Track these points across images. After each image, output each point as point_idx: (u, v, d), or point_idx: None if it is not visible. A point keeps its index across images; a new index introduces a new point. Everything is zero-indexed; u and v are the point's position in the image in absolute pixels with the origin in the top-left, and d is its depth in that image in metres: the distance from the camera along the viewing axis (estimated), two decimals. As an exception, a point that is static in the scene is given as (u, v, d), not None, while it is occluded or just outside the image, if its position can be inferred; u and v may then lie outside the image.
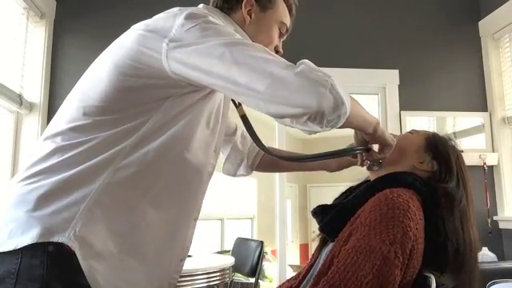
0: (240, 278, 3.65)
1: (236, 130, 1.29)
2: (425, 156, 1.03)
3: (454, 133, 2.87)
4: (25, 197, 0.79)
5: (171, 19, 0.83)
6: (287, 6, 1.09)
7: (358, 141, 1.00)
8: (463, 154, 1.07)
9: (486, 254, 2.51)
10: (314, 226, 1.06)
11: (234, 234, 4.46)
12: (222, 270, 2.25)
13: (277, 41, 1.09)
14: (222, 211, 5.11)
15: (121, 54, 0.84)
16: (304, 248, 7.23)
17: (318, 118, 0.74)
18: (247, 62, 0.76)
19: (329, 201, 1.09)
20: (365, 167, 1.08)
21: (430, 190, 0.95)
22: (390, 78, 2.88)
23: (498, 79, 2.85)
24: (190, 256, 1.02)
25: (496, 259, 2.54)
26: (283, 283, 1.07)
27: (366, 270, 0.78)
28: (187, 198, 0.96)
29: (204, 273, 2.10)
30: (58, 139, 0.83)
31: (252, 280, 2.99)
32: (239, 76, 0.76)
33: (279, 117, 0.77)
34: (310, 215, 1.08)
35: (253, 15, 1.04)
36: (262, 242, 2.66)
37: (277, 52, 1.09)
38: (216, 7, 1.04)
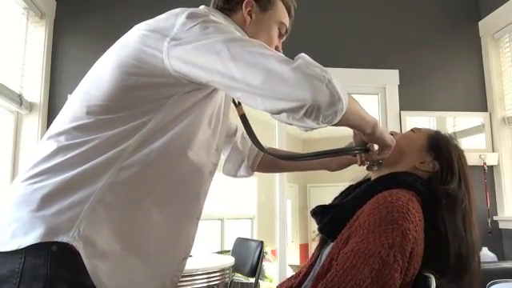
0: (240, 277, 3.64)
1: (236, 130, 1.30)
2: (426, 156, 1.02)
3: (454, 133, 2.86)
4: (28, 197, 0.80)
5: (172, 18, 0.84)
6: (286, 8, 1.10)
7: (356, 141, 1.00)
8: (463, 154, 1.06)
9: (486, 254, 2.51)
10: (314, 226, 1.06)
11: (234, 234, 4.46)
12: (222, 270, 2.24)
13: (277, 41, 1.10)
14: (222, 211, 5.11)
15: (123, 54, 0.85)
16: (304, 248, 7.23)
17: (314, 112, 0.74)
18: (244, 57, 0.77)
19: (329, 201, 1.09)
20: (365, 167, 1.07)
21: (430, 191, 0.95)
22: (390, 78, 2.88)
23: (498, 79, 2.85)
24: (190, 256, 1.02)
25: (496, 259, 2.54)
26: (283, 282, 1.07)
27: (365, 273, 0.78)
28: (190, 197, 0.96)
29: (204, 273, 2.10)
30: (62, 138, 0.84)
31: (252, 280, 2.98)
32: (236, 71, 0.76)
33: (276, 112, 0.77)
34: (310, 215, 1.08)
35: (253, 16, 1.05)
36: (262, 242, 2.66)
37: None
38: (216, 8, 1.05)
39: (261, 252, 2.60)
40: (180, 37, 0.81)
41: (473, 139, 2.88)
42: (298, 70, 0.74)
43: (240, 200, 5.79)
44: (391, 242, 0.80)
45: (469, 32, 2.99)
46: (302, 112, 0.74)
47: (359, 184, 1.10)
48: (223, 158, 1.31)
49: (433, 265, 0.88)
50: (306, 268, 1.03)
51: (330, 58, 2.77)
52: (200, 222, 1.01)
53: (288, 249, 4.02)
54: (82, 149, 0.82)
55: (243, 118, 1.11)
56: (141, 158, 0.84)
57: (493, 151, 2.81)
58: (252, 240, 2.89)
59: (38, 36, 2.58)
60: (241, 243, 2.94)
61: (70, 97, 0.92)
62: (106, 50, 0.92)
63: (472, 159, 2.64)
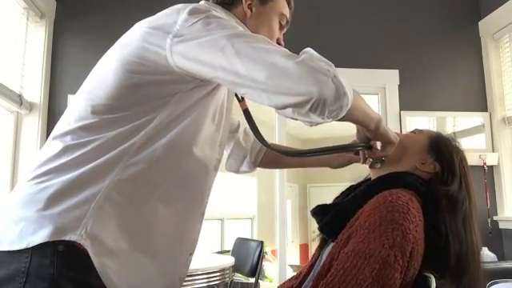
0: (240, 278, 3.64)
1: (239, 126, 1.30)
2: (427, 157, 1.02)
3: (454, 133, 2.86)
4: (35, 196, 0.80)
5: (174, 15, 0.84)
6: None
7: (360, 138, 1.00)
8: (464, 154, 1.06)
9: (486, 254, 2.50)
10: (314, 225, 1.06)
11: (233, 234, 4.47)
12: (222, 270, 2.24)
13: (278, 33, 1.10)
14: (222, 211, 5.11)
15: (126, 52, 0.85)
16: (304, 248, 7.23)
17: (319, 107, 0.73)
18: (248, 52, 0.77)
19: (329, 201, 1.09)
20: (366, 166, 1.07)
21: (430, 191, 0.95)
22: (390, 77, 2.88)
23: (498, 79, 2.85)
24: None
25: (496, 259, 2.54)
26: (284, 282, 1.07)
27: (366, 273, 0.78)
28: (195, 192, 0.97)
29: (204, 273, 2.10)
30: (67, 138, 0.84)
31: (252, 280, 2.98)
32: (241, 67, 0.76)
33: (281, 107, 0.77)
34: (309, 215, 1.08)
35: (253, 9, 1.04)
36: (262, 242, 2.66)
37: (279, 44, 1.09)
38: (217, 3, 1.04)
39: (261, 252, 2.60)
40: (183, 33, 0.81)
41: (473, 139, 2.88)
42: (303, 65, 0.74)
43: (240, 200, 5.79)
44: (392, 242, 0.80)
45: (469, 32, 2.99)
46: (308, 107, 0.73)
47: (360, 184, 1.10)
48: (226, 153, 1.31)
49: (433, 265, 0.87)
50: (307, 268, 1.03)
51: (330, 57, 2.71)
52: (201, 222, 1.01)
53: (288, 249, 4.02)
54: (88, 148, 0.82)
55: (246, 112, 1.11)
56: (146, 155, 0.85)
57: (493, 151, 2.81)
58: (252, 240, 2.89)
59: (38, 36, 2.58)
60: (241, 243, 2.94)
61: (72, 97, 0.92)
62: (106, 50, 0.92)
63: (472, 159, 2.62)
